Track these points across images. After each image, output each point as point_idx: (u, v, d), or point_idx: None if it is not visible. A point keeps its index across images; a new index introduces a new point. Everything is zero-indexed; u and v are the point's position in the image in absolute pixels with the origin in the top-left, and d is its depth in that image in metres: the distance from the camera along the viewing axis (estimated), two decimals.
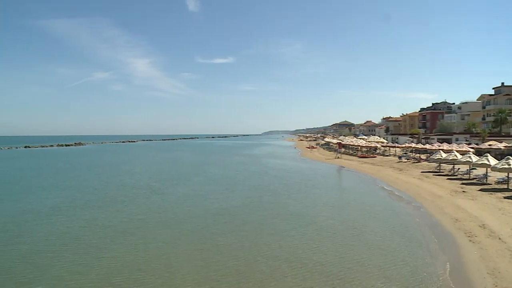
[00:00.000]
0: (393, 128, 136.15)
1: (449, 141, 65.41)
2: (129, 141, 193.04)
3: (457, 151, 40.18)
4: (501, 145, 48.48)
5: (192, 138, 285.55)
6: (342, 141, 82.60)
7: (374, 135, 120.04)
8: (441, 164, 39.87)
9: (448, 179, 32.96)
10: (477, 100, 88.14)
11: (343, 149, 74.45)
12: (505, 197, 23.54)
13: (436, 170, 39.26)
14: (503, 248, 13.82)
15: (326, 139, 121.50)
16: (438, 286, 11.14)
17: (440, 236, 16.21)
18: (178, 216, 20.89)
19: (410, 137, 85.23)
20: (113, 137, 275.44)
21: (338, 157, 64.13)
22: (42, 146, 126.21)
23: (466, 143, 55.42)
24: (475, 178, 31.96)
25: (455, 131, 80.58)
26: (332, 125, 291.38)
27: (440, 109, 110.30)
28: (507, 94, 77.47)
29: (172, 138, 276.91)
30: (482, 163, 29.51)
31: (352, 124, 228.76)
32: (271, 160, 63.88)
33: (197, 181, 36.17)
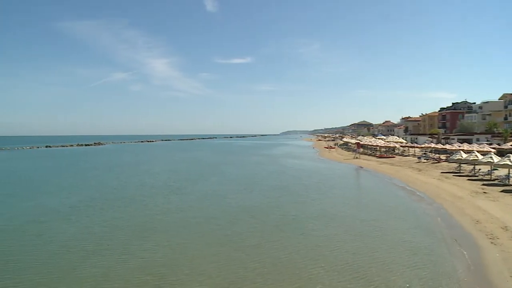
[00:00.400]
0: (412, 128, 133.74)
1: (469, 142, 63.84)
2: (148, 141, 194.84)
3: (478, 151, 39.25)
4: None
5: (210, 138, 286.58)
6: (361, 141, 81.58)
7: (393, 135, 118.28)
8: (462, 165, 38.98)
9: (468, 179, 32.18)
10: (498, 99, 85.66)
11: (361, 149, 73.54)
12: None
13: (456, 171, 38.38)
14: None
15: (345, 139, 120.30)
16: None
17: (460, 238, 15.84)
18: (197, 216, 20.86)
19: (429, 137, 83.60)
20: (132, 137, 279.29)
21: (357, 157, 63.43)
22: (63, 146, 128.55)
23: (487, 144, 53.99)
24: (497, 179, 31.11)
25: (476, 131, 78.49)
26: (350, 125, 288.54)
27: (460, 109, 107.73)
28: None
29: (191, 138, 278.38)
30: (504, 164, 28.71)
31: (371, 124, 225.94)
32: (289, 160, 63.69)
33: (215, 180, 36.22)
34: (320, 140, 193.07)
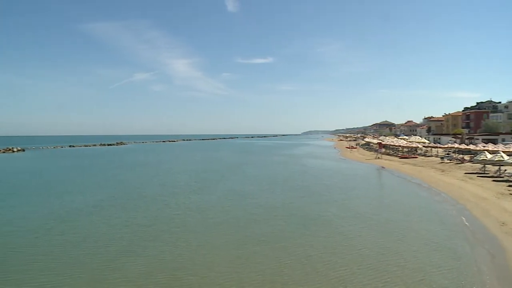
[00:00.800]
0: (435, 128, 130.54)
1: (494, 142, 61.86)
2: (169, 141, 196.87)
3: (503, 152, 38.01)
4: None
5: (231, 138, 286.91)
6: (383, 141, 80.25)
7: (415, 135, 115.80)
8: (486, 166, 37.85)
9: (493, 181, 31.17)
10: None
11: (383, 149, 72.35)
12: None
13: (480, 172, 37.25)
14: None
15: (366, 139, 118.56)
16: None
17: (485, 240, 15.39)
18: (218, 216, 20.74)
19: (452, 137, 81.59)
20: (153, 137, 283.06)
21: (379, 158, 62.46)
22: (85, 146, 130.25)
23: None
24: None
25: (501, 131, 75.90)
26: (372, 125, 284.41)
27: (485, 108, 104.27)
28: None
29: (212, 138, 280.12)
30: None
31: (393, 124, 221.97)
32: (311, 160, 63.34)
33: (236, 181, 36.16)
34: (341, 140, 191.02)
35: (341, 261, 13.10)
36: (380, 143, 75.54)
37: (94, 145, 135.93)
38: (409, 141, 72.62)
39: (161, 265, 13.01)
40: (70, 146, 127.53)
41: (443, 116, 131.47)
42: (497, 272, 12.02)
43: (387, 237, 16.15)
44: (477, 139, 72.39)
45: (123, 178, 39.08)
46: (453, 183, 31.18)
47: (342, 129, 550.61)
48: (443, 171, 39.98)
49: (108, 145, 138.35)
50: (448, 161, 49.23)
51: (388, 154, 68.62)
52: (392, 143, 74.49)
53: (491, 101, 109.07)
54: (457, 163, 46.15)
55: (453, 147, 57.55)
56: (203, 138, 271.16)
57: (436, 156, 59.05)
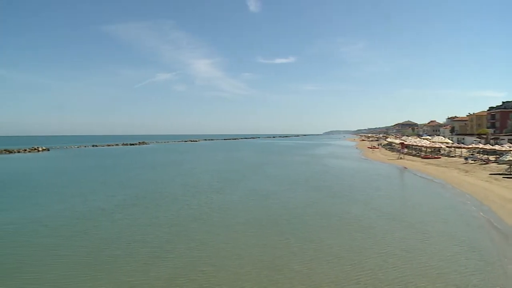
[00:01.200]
0: (458, 128, 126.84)
1: None
2: (191, 141, 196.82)
3: None
4: None
5: (253, 137, 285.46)
6: (405, 141, 78.59)
7: (439, 135, 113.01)
8: None
9: None
10: None
11: (406, 150, 70.88)
12: None
13: (506, 173, 35.99)
14: None
15: (389, 139, 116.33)
16: None
17: None
18: (239, 216, 20.52)
19: (477, 138, 79.17)
20: (175, 137, 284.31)
21: (401, 158, 61.31)
22: (108, 145, 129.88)
23: None
24: None
25: None
26: (394, 125, 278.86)
27: (511, 108, 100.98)
28: None
29: (234, 137, 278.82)
30: None
31: (416, 124, 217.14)
32: (332, 160, 62.81)
33: (258, 181, 35.97)
34: (363, 140, 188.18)
35: (367, 261, 12.99)
36: (403, 143, 73.99)
37: (117, 144, 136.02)
38: (432, 141, 70.86)
39: (184, 265, 12.84)
40: (93, 145, 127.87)
41: (467, 115, 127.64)
42: None
43: (412, 238, 15.89)
44: (503, 139, 69.92)
45: (145, 177, 39.31)
46: (478, 184, 30.32)
47: (364, 129, 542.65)
48: (467, 171, 38.93)
49: (131, 144, 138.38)
50: (472, 162, 47.78)
51: (410, 155, 67.23)
52: (414, 143, 72.83)
53: None
54: (482, 164, 44.77)
55: (478, 147, 55.82)
56: (225, 138, 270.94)
57: (460, 156, 57.42)
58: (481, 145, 57.00)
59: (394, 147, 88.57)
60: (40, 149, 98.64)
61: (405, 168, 47.27)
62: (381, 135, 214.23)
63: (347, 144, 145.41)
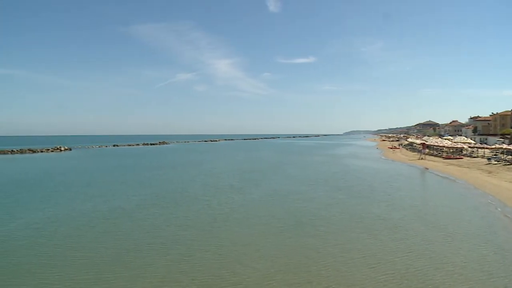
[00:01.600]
0: (481, 128, 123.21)
1: None
2: (211, 141, 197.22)
3: None
4: None
5: (273, 137, 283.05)
6: (426, 141, 76.95)
7: (461, 135, 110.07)
8: None
9: None
10: None
11: (427, 150, 69.43)
12: None
13: None
14: None
15: (409, 140, 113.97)
16: None
17: None
18: (260, 216, 20.32)
19: (501, 138, 76.91)
20: (195, 137, 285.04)
21: (422, 158, 60.14)
22: (129, 145, 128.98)
23: None
24: None
25: None
26: (415, 125, 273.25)
27: None
28: None
29: (254, 137, 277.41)
30: None
31: (437, 124, 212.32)
32: (353, 161, 62.15)
33: (278, 181, 35.73)
34: (384, 140, 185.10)
35: (394, 262, 12.96)
36: (424, 143, 72.50)
37: (137, 144, 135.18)
38: (454, 142, 69.14)
39: (204, 265, 12.64)
40: (114, 145, 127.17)
41: (490, 115, 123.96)
42: None
43: (437, 239, 15.72)
44: None
45: (166, 177, 39.19)
46: (501, 185, 29.56)
47: (385, 129, 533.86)
48: (490, 172, 37.94)
49: (151, 144, 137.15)
50: (496, 162, 46.44)
51: (432, 155, 65.88)
52: (436, 144, 71.25)
53: None
54: (505, 165, 43.47)
55: (501, 147, 54.09)
56: (245, 138, 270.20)
57: (483, 157, 55.83)
58: (504, 146, 55.19)
59: (415, 148, 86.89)
60: (62, 148, 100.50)
61: (427, 168, 46.43)
62: (402, 135, 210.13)
63: (367, 144, 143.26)
